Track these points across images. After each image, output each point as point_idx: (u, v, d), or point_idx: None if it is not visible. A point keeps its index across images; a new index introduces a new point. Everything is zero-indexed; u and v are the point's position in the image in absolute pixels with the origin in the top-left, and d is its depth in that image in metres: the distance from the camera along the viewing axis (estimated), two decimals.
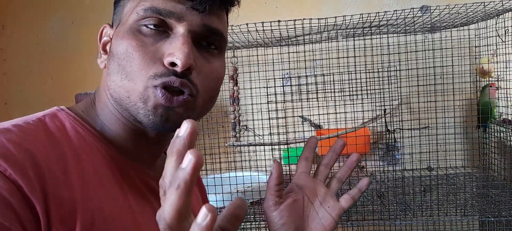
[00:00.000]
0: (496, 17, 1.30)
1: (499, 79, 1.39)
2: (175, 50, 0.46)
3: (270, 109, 1.36)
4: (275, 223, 0.59)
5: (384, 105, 1.43)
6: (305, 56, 1.41)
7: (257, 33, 1.27)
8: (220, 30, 0.51)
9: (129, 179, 0.50)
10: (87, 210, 0.42)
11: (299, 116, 1.66)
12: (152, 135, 0.52)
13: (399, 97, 1.43)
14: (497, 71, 1.37)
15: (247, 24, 1.21)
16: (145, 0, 0.48)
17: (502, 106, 1.39)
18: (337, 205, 0.60)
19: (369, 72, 1.43)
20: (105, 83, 0.50)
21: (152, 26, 0.47)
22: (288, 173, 1.45)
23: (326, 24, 1.24)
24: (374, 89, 1.44)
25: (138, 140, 0.52)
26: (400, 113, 1.44)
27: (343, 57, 1.44)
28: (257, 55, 1.54)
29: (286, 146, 1.53)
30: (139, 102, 0.47)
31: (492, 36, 1.38)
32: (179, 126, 0.51)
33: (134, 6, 0.48)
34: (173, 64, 0.46)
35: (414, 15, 1.20)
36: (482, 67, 1.37)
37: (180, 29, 0.47)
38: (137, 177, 0.52)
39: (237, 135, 1.32)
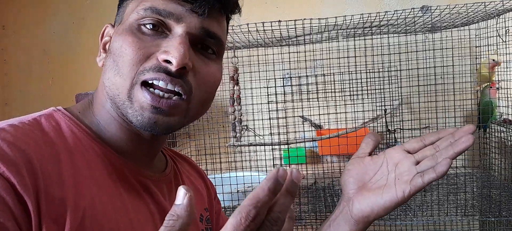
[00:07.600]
0: (496, 17, 1.30)
1: (499, 79, 1.39)
2: (171, 49, 0.46)
3: (270, 109, 1.36)
4: (346, 167, 0.62)
5: (384, 106, 1.43)
6: (305, 56, 1.41)
7: (258, 33, 1.27)
8: (218, 35, 0.51)
9: (124, 178, 0.50)
10: (77, 208, 0.42)
11: (300, 116, 1.66)
12: (147, 135, 0.52)
13: (400, 97, 1.42)
14: (498, 72, 1.38)
15: (247, 24, 1.21)
16: (146, 1, 0.48)
17: (503, 106, 1.39)
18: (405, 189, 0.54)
19: (369, 72, 1.43)
20: (102, 81, 0.51)
21: (150, 26, 0.48)
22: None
23: (326, 24, 1.24)
24: (375, 89, 1.44)
25: (133, 139, 0.52)
26: (401, 114, 1.43)
27: (344, 57, 1.44)
28: (258, 55, 1.54)
29: (286, 146, 1.53)
30: (126, 101, 0.47)
31: (493, 36, 1.38)
32: (170, 130, 0.50)
33: (135, 6, 0.49)
34: (167, 61, 0.46)
35: (415, 15, 1.20)
36: (493, 60, 1.35)
37: (178, 30, 0.48)
38: (132, 176, 0.52)
39: (238, 135, 1.32)
